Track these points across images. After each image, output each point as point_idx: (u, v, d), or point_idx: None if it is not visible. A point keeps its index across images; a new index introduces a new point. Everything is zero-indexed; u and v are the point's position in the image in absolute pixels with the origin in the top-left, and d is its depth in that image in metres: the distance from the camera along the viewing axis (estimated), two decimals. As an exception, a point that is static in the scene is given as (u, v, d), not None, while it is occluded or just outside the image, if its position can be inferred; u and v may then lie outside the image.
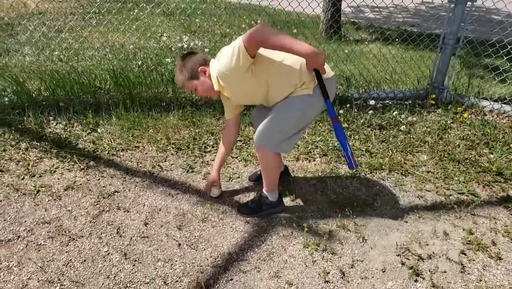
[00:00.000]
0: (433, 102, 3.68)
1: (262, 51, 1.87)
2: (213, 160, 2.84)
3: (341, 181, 2.63)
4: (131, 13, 6.67)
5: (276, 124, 2.00)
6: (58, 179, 2.57)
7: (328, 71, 1.97)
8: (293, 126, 2.01)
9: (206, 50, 4.99)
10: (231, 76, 1.86)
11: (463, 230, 2.19)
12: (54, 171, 2.64)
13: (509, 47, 3.56)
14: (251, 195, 2.46)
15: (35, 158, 2.77)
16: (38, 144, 2.92)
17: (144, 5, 6.77)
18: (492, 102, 3.57)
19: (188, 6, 7.28)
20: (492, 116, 3.50)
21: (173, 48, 5.06)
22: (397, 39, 5.60)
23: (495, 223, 2.25)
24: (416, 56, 4.89)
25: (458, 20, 3.46)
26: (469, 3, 3.36)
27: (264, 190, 2.27)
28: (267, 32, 1.71)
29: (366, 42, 5.76)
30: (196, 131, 3.17)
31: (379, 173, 2.73)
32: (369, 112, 3.49)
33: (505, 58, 3.67)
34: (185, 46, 5.16)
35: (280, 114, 1.98)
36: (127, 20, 6.22)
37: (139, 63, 4.34)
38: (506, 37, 3.73)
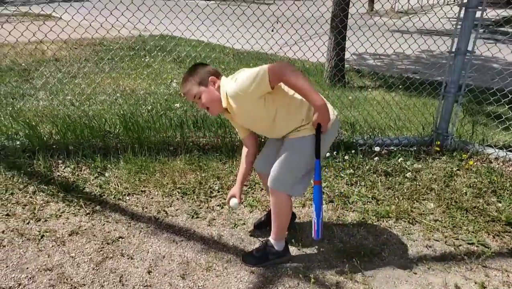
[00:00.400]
0: (438, 148, 3.69)
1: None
2: (218, 206, 2.84)
3: (348, 229, 2.61)
4: (143, 59, 6.92)
5: (289, 166, 2.02)
6: (63, 223, 2.57)
7: (332, 111, 2.04)
8: (304, 167, 2.04)
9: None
10: (244, 98, 1.90)
11: (475, 283, 2.13)
12: (60, 216, 2.65)
13: (510, 96, 3.62)
14: (257, 243, 2.43)
15: (41, 202, 2.79)
16: (46, 187, 2.95)
17: (156, 52, 7.03)
18: (497, 150, 3.58)
19: (198, 54, 7.54)
20: (498, 164, 3.50)
21: (182, 94, 5.20)
22: (400, 86, 5.72)
23: (508, 276, 2.19)
24: (419, 103, 4.97)
25: (459, 70, 3.55)
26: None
27: (271, 238, 2.25)
28: (292, 71, 1.82)
29: (370, 89, 5.88)
30: (202, 175, 3.19)
31: (386, 221, 2.70)
32: (375, 158, 3.51)
33: (507, 106, 3.72)
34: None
35: (292, 155, 2.02)
36: (139, 67, 6.45)
37: (149, 108, 4.46)
38: (507, 86, 3.80)
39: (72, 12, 3.87)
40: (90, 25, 3.75)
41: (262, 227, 2.57)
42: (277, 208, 2.12)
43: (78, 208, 2.74)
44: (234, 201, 2.35)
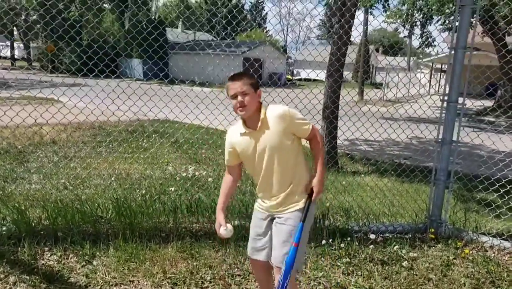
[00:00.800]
0: (432, 236, 3.67)
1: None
2: (210, 297, 2.72)
3: (344, 324, 2.48)
4: (141, 143, 7.09)
5: (304, 244, 2.21)
6: (44, 316, 2.43)
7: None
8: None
9: (210, 179, 5.17)
10: (285, 120, 2.13)
11: None
12: (42, 307, 2.51)
13: (497, 184, 3.71)
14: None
15: (23, 292, 2.66)
16: (28, 277, 2.82)
17: (154, 137, 7.23)
18: (491, 238, 3.56)
19: (196, 139, 7.76)
20: (494, 252, 3.46)
21: (177, 178, 5.25)
22: (392, 172, 5.84)
23: None
24: (412, 189, 5.04)
25: (446, 157, 3.68)
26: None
27: None
28: (322, 140, 2.24)
29: (362, 175, 5.98)
30: (194, 264, 3.10)
31: (385, 315, 2.58)
32: (370, 246, 3.46)
33: (495, 194, 3.79)
34: (190, 175, 5.36)
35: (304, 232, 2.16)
36: (137, 151, 6.58)
37: (143, 192, 4.46)
38: (493, 174, 3.91)
39: (75, 99, 4.07)
40: (92, 112, 3.92)
41: None
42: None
43: (62, 299, 2.60)
44: (226, 229, 2.30)
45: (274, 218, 2.26)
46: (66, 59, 26.04)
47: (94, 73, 3.65)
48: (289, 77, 32.41)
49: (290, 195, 2.20)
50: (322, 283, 2.91)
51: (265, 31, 52.43)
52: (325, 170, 2.25)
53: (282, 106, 2.18)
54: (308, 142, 2.27)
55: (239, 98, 2.13)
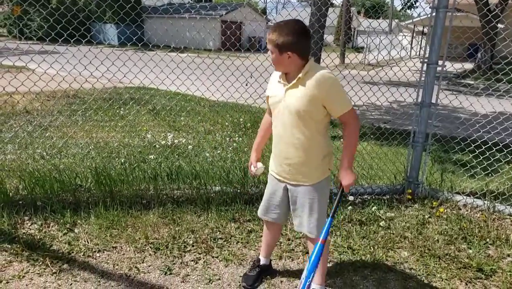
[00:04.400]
0: (409, 197, 3.78)
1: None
2: (193, 261, 2.76)
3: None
4: (118, 111, 6.94)
5: (321, 212, 2.17)
6: (26, 285, 2.43)
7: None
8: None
9: (190, 147, 5.14)
10: (322, 87, 1.95)
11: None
12: (23, 276, 2.50)
13: (473, 145, 3.80)
14: (232, 299, 2.35)
15: (3, 262, 2.64)
16: (9, 246, 2.80)
17: (131, 104, 7.07)
18: (465, 197, 3.69)
19: (174, 105, 7.64)
20: (467, 210, 3.59)
21: (157, 146, 5.19)
22: (371, 136, 5.91)
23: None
24: (391, 152, 5.13)
25: (425, 120, 3.73)
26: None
27: (316, 284, 2.34)
28: (358, 130, 2.06)
29: (342, 139, 6.04)
30: (176, 229, 3.12)
31: (362, 271, 2.69)
32: (349, 207, 3.54)
33: (471, 155, 3.90)
34: (169, 143, 5.31)
35: (319, 202, 2.16)
36: (114, 119, 6.45)
37: (122, 160, 4.41)
38: (470, 136, 4.01)
39: (45, 66, 3.90)
40: (64, 79, 3.77)
41: (253, 284, 2.51)
42: (323, 254, 2.16)
43: (44, 267, 2.60)
44: (256, 168, 2.39)
45: (287, 186, 2.23)
46: (33, 24, 24.84)
47: (63, 38, 3.46)
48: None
49: (299, 166, 2.12)
50: (302, 244, 2.99)
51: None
52: (351, 162, 2.06)
53: (329, 74, 1.96)
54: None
55: (268, 52, 2.04)
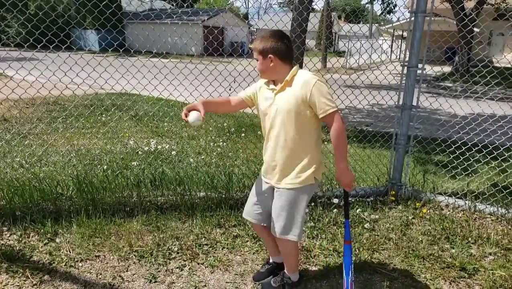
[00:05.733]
0: (393, 198, 3.82)
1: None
2: (178, 268, 2.73)
3: (311, 284, 2.57)
4: (99, 118, 6.83)
5: (294, 214, 2.21)
6: (6, 298, 2.35)
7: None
8: (303, 214, 2.23)
9: (173, 152, 5.09)
10: (308, 87, 2.04)
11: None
12: (2, 289, 2.43)
13: (453, 146, 3.88)
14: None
15: (-18, 274, 2.56)
16: (-12, 258, 2.71)
17: (113, 110, 6.98)
18: (446, 197, 3.76)
19: (157, 111, 7.57)
20: (449, 210, 3.66)
21: (140, 152, 5.13)
22: (354, 139, 5.98)
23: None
24: (373, 155, 5.20)
25: (406, 123, 3.79)
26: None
27: (286, 272, 2.49)
28: (344, 132, 2.11)
29: (325, 143, 6.09)
30: (161, 236, 3.08)
31: (348, 274, 2.69)
32: (334, 210, 3.56)
33: (451, 156, 3.97)
34: (152, 149, 5.25)
35: (295, 205, 2.21)
36: (95, 126, 6.34)
37: (104, 167, 4.34)
38: (450, 137, 4.09)
39: (23, 73, 3.82)
40: (43, 85, 3.69)
41: (263, 280, 2.60)
42: (288, 253, 2.37)
43: (24, 279, 2.53)
44: (193, 115, 2.12)
45: (274, 188, 2.29)
46: (11, 30, 24.33)
47: (41, 44, 3.38)
48: (252, 45, 31.95)
49: (285, 167, 2.19)
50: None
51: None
52: (344, 162, 2.13)
53: (314, 75, 2.09)
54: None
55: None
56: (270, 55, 2.10)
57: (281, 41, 2.11)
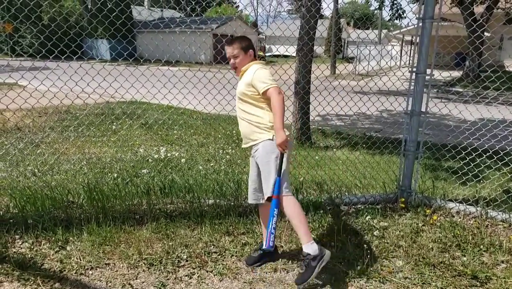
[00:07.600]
0: (403, 205, 3.79)
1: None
2: (187, 276, 2.74)
3: (319, 293, 2.56)
4: (110, 126, 6.91)
5: (270, 172, 2.56)
6: (17, 305, 2.38)
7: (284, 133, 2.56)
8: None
9: (183, 160, 5.13)
10: (250, 75, 2.58)
11: None
12: (15, 296, 2.46)
13: (463, 152, 3.85)
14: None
15: (-5, 282, 2.59)
16: (0, 266, 2.75)
17: (124, 118, 7.06)
18: (457, 204, 3.71)
19: (166, 119, 7.63)
20: (460, 218, 3.61)
21: (150, 160, 5.18)
22: (363, 145, 5.96)
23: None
24: (383, 161, 5.17)
25: (416, 129, 3.77)
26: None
27: (303, 245, 2.54)
28: (281, 100, 2.50)
29: (334, 149, 6.08)
30: (170, 244, 3.10)
31: (357, 282, 2.68)
32: (343, 217, 3.54)
33: (461, 162, 3.93)
34: (162, 157, 5.30)
35: (266, 162, 2.58)
36: (106, 134, 6.42)
37: (115, 175, 4.38)
38: (460, 143, 4.05)
39: (36, 83, 3.90)
40: (55, 95, 3.76)
41: (254, 264, 2.83)
42: (291, 213, 2.55)
43: (35, 286, 2.56)
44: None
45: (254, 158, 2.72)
46: (24, 41, 24.79)
47: (53, 54, 3.46)
48: (261, 53, 32.09)
49: (250, 134, 2.67)
50: (297, 256, 2.97)
51: (234, 6, 51.47)
52: (280, 124, 2.49)
53: (257, 66, 2.59)
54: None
55: (232, 60, 2.69)
56: (250, 50, 2.66)
57: (248, 40, 2.71)
